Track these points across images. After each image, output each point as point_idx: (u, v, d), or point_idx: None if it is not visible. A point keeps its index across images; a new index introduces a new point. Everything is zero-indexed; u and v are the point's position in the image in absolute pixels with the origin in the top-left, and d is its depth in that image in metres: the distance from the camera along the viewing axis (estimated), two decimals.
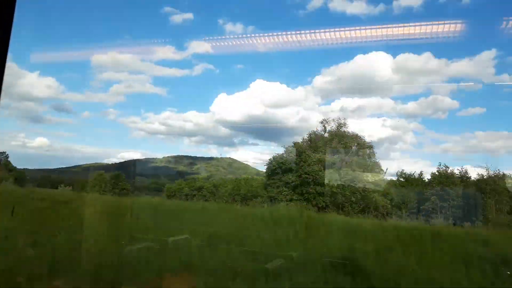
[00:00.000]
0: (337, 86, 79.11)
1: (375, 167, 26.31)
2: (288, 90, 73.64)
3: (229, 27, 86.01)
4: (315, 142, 27.36)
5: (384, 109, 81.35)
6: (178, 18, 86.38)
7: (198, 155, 44.85)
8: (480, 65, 67.52)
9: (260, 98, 68.67)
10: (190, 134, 71.49)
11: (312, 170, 24.06)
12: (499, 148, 34.06)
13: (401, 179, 27.12)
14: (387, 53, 61.97)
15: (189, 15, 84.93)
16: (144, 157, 42.17)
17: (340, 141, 26.14)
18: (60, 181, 31.55)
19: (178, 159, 52.60)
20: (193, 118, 70.68)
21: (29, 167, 38.17)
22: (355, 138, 26.97)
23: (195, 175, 39.24)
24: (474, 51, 68.58)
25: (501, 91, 70.91)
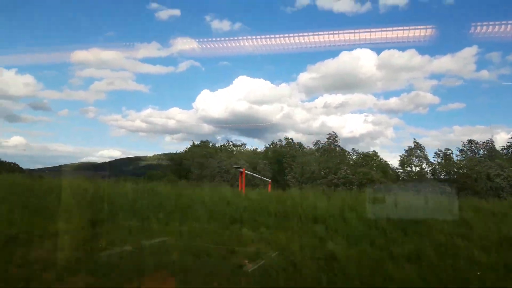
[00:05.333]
0: (321, 83, 77.22)
1: None
2: (272, 87, 72.12)
3: (215, 23, 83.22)
4: None
5: (367, 105, 79.86)
6: (164, 14, 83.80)
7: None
8: (461, 62, 66.69)
9: (243, 94, 66.75)
10: (172, 131, 69.23)
11: None
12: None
13: None
14: (372, 50, 60.84)
15: (176, 11, 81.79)
16: (124, 156, 40.21)
17: None
18: None
19: (169, 157, 49.54)
20: (175, 115, 68.58)
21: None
22: None
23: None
24: (456, 48, 67.47)
25: (481, 87, 70.48)
